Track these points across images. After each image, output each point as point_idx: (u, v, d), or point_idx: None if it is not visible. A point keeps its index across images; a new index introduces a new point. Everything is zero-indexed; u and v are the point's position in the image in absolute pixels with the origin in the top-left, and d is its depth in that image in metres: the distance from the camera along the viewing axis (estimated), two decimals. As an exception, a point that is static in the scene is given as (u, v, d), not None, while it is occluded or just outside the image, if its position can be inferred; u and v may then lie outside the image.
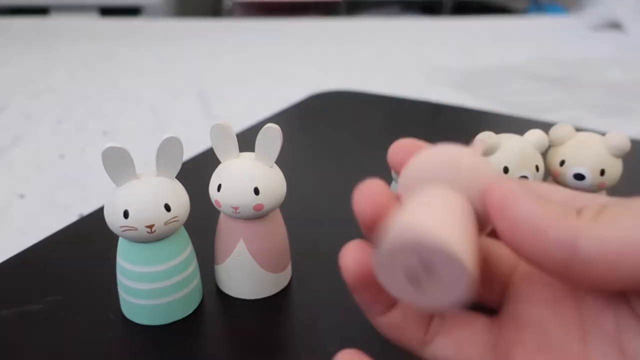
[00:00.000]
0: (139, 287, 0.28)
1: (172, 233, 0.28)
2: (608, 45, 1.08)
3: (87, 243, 0.36)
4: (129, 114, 0.70)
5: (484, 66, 0.93)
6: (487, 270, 0.19)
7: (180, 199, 0.28)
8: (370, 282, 0.17)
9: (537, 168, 0.31)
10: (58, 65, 0.92)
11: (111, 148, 0.25)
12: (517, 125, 0.59)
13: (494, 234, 0.18)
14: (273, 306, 0.31)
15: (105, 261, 0.32)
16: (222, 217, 0.31)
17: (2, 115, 0.69)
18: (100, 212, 0.35)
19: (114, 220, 0.26)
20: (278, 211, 0.32)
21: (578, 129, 0.33)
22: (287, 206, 0.32)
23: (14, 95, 0.77)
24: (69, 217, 0.43)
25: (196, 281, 0.30)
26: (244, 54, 1.03)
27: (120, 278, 0.29)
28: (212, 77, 0.87)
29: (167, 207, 0.27)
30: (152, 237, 0.27)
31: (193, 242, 0.30)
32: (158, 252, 0.28)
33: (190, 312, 0.30)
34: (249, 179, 0.28)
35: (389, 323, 0.19)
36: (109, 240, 0.30)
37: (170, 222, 0.27)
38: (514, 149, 0.31)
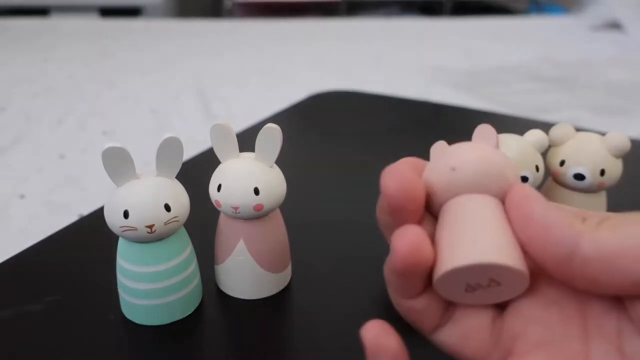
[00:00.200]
0: (139, 287, 0.28)
1: (172, 233, 0.28)
2: (608, 45, 1.08)
3: (87, 243, 0.36)
4: (129, 114, 0.70)
5: (484, 66, 0.93)
6: None
7: (180, 199, 0.28)
8: (419, 269, 0.17)
9: (537, 168, 0.31)
10: (58, 65, 0.92)
11: (111, 148, 0.25)
12: (517, 125, 0.59)
13: None
14: (273, 306, 0.31)
15: (105, 261, 0.32)
16: (222, 217, 0.31)
17: (2, 115, 0.69)
18: (100, 212, 0.35)
19: (114, 220, 0.26)
20: (278, 211, 0.32)
21: (578, 129, 0.33)
22: (287, 206, 0.32)
23: (14, 95, 0.77)
24: (69, 217, 0.43)
25: (196, 281, 0.30)
26: (244, 54, 1.03)
27: (120, 278, 0.29)
28: (212, 77, 0.87)
29: (167, 207, 0.27)
30: (152, 237, 0.27)
31: (193, 242, 0.30)
32: (158, 252, 0.28)
33: (190, 312, 0.30)
34: (249, 179, 0.28)
35: (412, 307, 0.19)
36: (109, 240, 0.30)
37: (170, 222, 0.27)
38: (514, 149, 0.31)
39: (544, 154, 0.32)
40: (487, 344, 0.18)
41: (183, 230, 0.29)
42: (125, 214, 0.26)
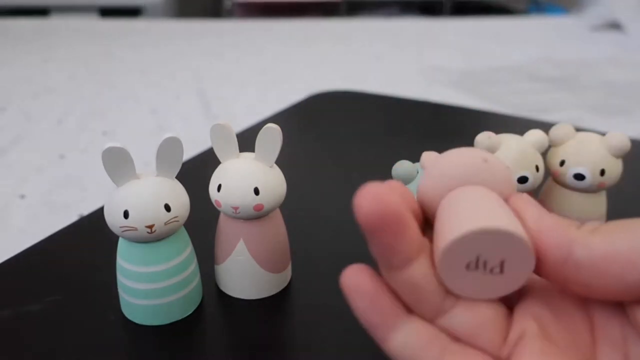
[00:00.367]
0: (139, 287, 0.28)
1: (172, 233, 0.28)
2: (608, 45, 1.08)
3: (87, 243, 0.36)
4: (129, 114, 0.70)
5: (484, 66, 0.93)
6: None
7: (180, 199, 0.28)
8: (390, 224, 0.16)
9: (537, 168, 0.31)
10: (58, 65, 0.92)
11: (111, 148, 0.25)
12: (517, 125, 0.59)
13: None
14: (273, 306, 0.31)
15: (105, 261, 0.32)
16: (222, 217, 0.31)
17: (2, 115, 0.69)
18: (100, 212, 0.35)
19: (114, 220, 0.26)
20: (278, 211, 0.32)
21: (578, 129, 0.33)
22: (287, 206, 0.32)
23: (14, 95, 0.77)
24: (69, 217, 0.43)
25: (196, 281, 0.30)
26: (244, 54, 1.03)
27: (120, 278, 0.29)
28: (212, 77, 0.87)
29: (167, 207, 0.27)
30: (152, 237, 0.27)
31: (193, 242, 0.30)
32: (158, 252, 0.28)
33: (190, 312, 0.30)
34: (249, 179, 0.28)
35: (408, 279, 0.17)
36: (109, 240, 0.30)
37: (170, 222, 0.27)
38: (514, 149, 0.31)
39: (544, 154, 0.32)
40: (500, 337, 0.18)
41: (183, 230, 0.29)
42: (125, 214, 0.26)
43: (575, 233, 0.16)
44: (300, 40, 1.13)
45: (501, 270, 0.17)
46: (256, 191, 0.28)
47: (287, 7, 2.20)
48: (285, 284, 0.32)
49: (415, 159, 0.32)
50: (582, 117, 0.68)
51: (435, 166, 0.19)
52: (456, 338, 0.18)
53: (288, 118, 0.63)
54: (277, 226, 0.31)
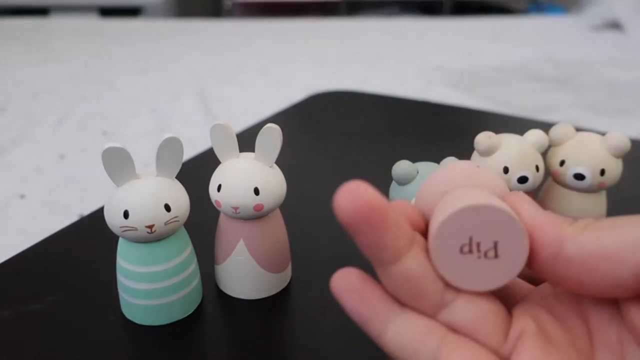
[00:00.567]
0: (139, 287, 0.28)
1: (172, 233, 0.28)
2: (608, 45, 1.08)
3: (87, 243, 0.37)
4: (129, 114, 0.70)
5: (484, 66, 0.93)
6: None
7: (180, 199, 0.28)
8: (371, 219, 0.16)
9: (537, 168, 0.31)
10: (58, 65, 0.92)
11: (111, 148, 0.25)
12: (517, 125, 0.59)
13: None
14: (273, 306, 0.31)
15: (105, 261, 0.32)
16: (222, 217, 0.31)
17: (2, 116, 0.69)
18: (100, 212, 0.35)
19: (114, 220, 0.26)
20: (278, 211, 0.32)
21: (578, 129, 0.33)
22: (287, 206, 0.32)
23: (14, 96, 0.77)
24: (69, 217, 0.43)
25: (196, 281, 0.30)
26: (244, 54, 1.03)
27: (120, 278, 0.29)
28: (212, 77, 0.87)
29: (167, 207, 0.27)
30: (152, 237, 0.27)
31: (193, 242, 0.30)
32: (158, 252, 0.28)
33: (190, 312, 0.30)
34: (249, 179, 0.28)
35: (403, 273, 0.17)
36: (109, 240, 0.30)
37: (170, 222, 0.27)
38: (514, 149, 0.31)
39: (544, 154, 0.32)
40: (501, 332, 0.18)
41: (183, 230, 0.29)
42: (125, 214, 0.26)
43: (567, 230, 0.17)
44: (300, 40, 1.13)
45: (496, 255, 0.17)
46: (256, 191, 0.28)
47: (287, 7, 2.20)
48: (285, 284, 0.32)
49: (415, 159, 0.32)
50: (582, 117, 0.68)
51: (430, 177, 0.20)
52: (456, 331, 0.18)
53: (288, 118, 0.63)
54: (277, 226, 0.31)
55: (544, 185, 0.34)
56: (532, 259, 0.17)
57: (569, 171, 0.31)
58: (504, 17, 1.55)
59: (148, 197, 0.26)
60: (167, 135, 0.27)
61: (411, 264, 0.17)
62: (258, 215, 0.29)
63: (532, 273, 0.18)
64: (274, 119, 0.61)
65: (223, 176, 0.29)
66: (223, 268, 0.31)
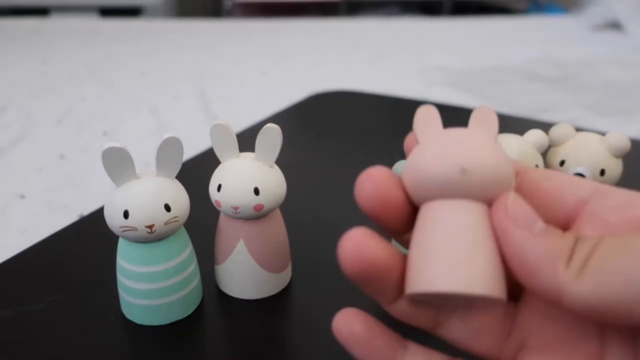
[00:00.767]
0: (139, 287, 0.28)
1: (172, 233, 0.28)
2: (608, 45, 1.08)
3: (87, 243, 0.36)
4: (129, 114, 0.70)
5: (484, 66, 0.93)
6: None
7: (180, 199, 0.28)
8: (373, 276, 0.17)
9: (537, 168, 0.31)
10: (58, 65, 0.92)
11: (111, 148, 0.25)
12: (517, 125, 0.59)
13: None
14: (273, 306, 0.31)
15: (105, 261, 0.32)
16: (222, 217, 0.31)
17: (2, 115, 0.69)
18: (100, 212, 0.35)
19: (114, 220, 0.26)
20: (278, 211, 0.32)
21: (578, 129, 0.33)
22: (287, 206, 0.32)
23: (14, 95, 0.77)
24: (69, 217, 0.43)
25: (196, 281, 0.30)
26: (244, 54, 1.03)
27: (120, 278, 0.29)
28: (212, 77, 0.87)
29: (167, 207, 0.27)
30: (152, 237, 0.27)
31: (193, 242, 0.30)
32: (158, 252, 0.28)
33: (190, 312, 0.30)
34: (249, 179, 0.28)
35: (398, 311, 0.18)
36: (109, 240, 0.30)
37: (170, 222, 0.27)
38: (514, 149, 0.31)
39: (544, 154, 0.32)
40: (500, 339, 0.18)
41: (183, 230, 0.29)
42: (125, 214, 0.26)
43: (563, 275, 0.15)
44: (300, 40, 1.13)
45: (471, 307, 0.17)
46: (256, 191, 0.28)
47: (287, 7, 2.20)
48: (285, 284, 0.32)
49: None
50: (582, 117, 0.68)
51: (413, 165, 0.17)
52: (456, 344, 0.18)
53: (288, 118, 0.63)
54: (277, 226, 0.31)
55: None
56: (530, 299, 0.18)
57: (569, 171, 0.31)
58: (504, 17, 1.55)
59: (148, 197, 0.26)
60: (167, 135, 0.26)
61: (405, 305, 0.18)
62: (258, 215, 0.29)
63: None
64: (274, 119, 0.61)
65: (223, 176, 0.29)
66: (223, 268, 0.31)
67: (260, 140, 0.28)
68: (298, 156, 0.51)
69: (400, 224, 0.18)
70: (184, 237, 0.29)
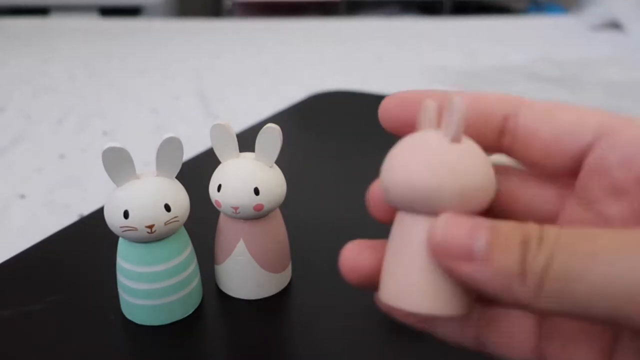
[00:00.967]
0: (139, 287, 0.28)
1: (172, 233, 0.28)
2: (608, 45, 1.08)
3: (87, 243, 0.36)
4: (129, 114, 0.70)
5: (484, 66, 0.93)
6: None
7: (180, 199, 0.28)
8: (371, 285, 0.17)
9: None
10: (58, 65, 0.92)
11: (111, 148, 0.25)
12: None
13: None
14: (273, 306, 0.31)
15: (105, 261, 0.32)
16: (222, 217, 0.31)
17: (2, 115, 0.69)
18: (100, 212, 0.35)
19: (114, 220, 0.26)
20: (278, 211, 0.32)
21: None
22: (287, 206, 0.32)
23: (14, 95, 0.77)
24: (69, 217, 0.43)
25: (196, 281, 0.30)
26: (244, 54, 1.03)
27: (120, 278, 0.29)
28: (212, 77, 0.87)
29: (167, 207, 0.27)
30: (152, 237, 0.27)
31: (193, 242, 0.30)
32: (158, 253, 0.28)
33: (190, 312, 0.30)
34: (249, 179, 0.28)
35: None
36: (109, 240, 0.30)
37: (170, 222, 0.27)
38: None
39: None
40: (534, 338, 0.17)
41: (183, 230, 0.29)
42: (125, 214, 0.26)
43: (520, 295, 0.13)
44: (300, 40, 1.13)
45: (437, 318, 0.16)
46: (256, 191, 0.28)
47: (287, 7, 2.20)
48: (285, 284, 0.32)
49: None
50: (582, 117, 0.68)
51: (383, 173, 0.16)
52: None
53: (288, 118, 0.63)
54: (277, 226, 0.31)
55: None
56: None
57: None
58: (504, 17, 1.55)
59: (148, 197, 0.26)
60: (167, 135, 0.26)
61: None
62: (258, 215, 0.29)
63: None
64: (274, 119, 0.61)
65: (223, 176, 0.29)
66: (223, 268, 0.31)
67: (260, 140, 0.28)
68: (298, 156, 0.51)
69: None
70: (184, 237, 0.29)
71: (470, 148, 0.16)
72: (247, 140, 0.32)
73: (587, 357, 0.16)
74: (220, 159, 0.30)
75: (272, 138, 0.28)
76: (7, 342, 0.28)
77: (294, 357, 0.28)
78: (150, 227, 0.26)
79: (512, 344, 0.17)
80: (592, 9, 1.27)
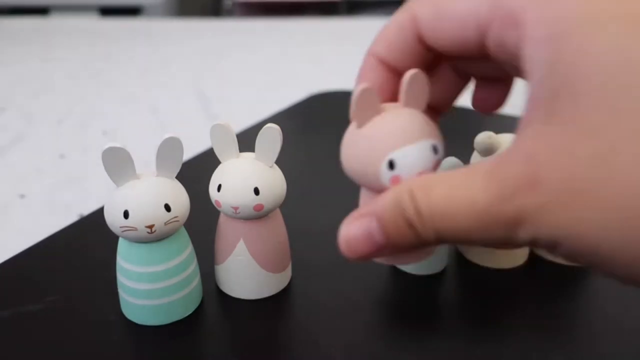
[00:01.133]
0: (139, 287, 0.28)
1: (172, 233, 0.28)
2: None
3: (87, 243, 0.36)
4: (129, 114, 0.70)
5: (484, 66, 0.93)
6: None
7: (180, 199, 0.28)
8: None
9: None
10: (58, 65, 0.92)
11: (111, 148, 0.25)
12: (517, 125, 0.59)
13: None
14: (273, 306, 0.31)
15: (105, 261, 0.32)
16: (222, 217, 0.31)
17: (2, 115, 0.69)
18: (100, 212, 0.35)
19: (114, 220, 0.26)
20: (278, 211, 0.32)
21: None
22: (287, 206, 0.32)
23: (14, 95, 0.77)
24: (69, 217, 0.43)
25: (196, 281, 0.30)
26: (244, 54, 1.03)
27: (120, 278, 0.29)
28: (212, 77, 0.87)
29: (167, 207, 0.27)
30: (152, 237, 0.27)
31: (193, 242, 0.30)
32: (158, 253, 0.28)
33: (190, 312, 0.30)
34: (249, 179, 0.28)
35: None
36: (109, 240, 0.30)
37: (170, 222, 0.27)
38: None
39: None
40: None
41: (183, 230, 0.29)
42: (125, 214, 0.26)
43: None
44: (300, 40, 1.13)
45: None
46: (256, 191, 0.28)
47: (287, 7, 2.20)
48: (285, 284, 0.32)
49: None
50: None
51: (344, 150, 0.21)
52: None
53: (288, 118, 0.63)
54: (277, 226, 0.31)
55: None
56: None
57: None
58: (504, 17, 1.55)
59: (148, 197, 0.26)
60: (167, 135, 0.26)
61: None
62: (258, 215, 0.29)
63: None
64: (274, 119, 0.61)
65: (223, 176, 0.29)
66: (223, 268, 0.31)
67: (260, 140, 0.28)
68: (298, 156, 0.51)
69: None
70: (184, 237, 0.29)
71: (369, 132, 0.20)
72: (247, 140, 0.32)
73: None
74: (220, 159, 0.30)
75: (272, 138, 0.28)
76: (7, 342, 0.28)
77: (294, 357, 0.28)
78: (150, 227, 0.26)
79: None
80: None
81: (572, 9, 0.14)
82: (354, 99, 0.19)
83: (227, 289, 0.32)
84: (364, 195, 0.21)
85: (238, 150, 0.29)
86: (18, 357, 0.27)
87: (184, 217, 0.28)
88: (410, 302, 0.31)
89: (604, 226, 0.13)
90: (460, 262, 0.35)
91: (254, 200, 0.28)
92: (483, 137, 0.31)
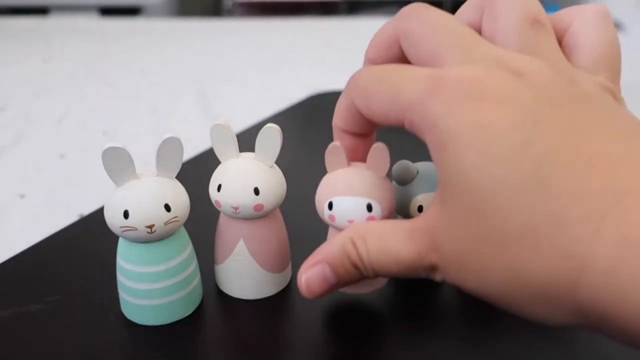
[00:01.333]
0: (139, 287, 0.28)
1: (172, 233, 0.28)
2: (608, 45, 1.08)
3: (87, 243, 0.36)
4: (129, 114, 0.70)
5: (484, 66, 0.93)
6: None
7: (180, 199, 0.28)
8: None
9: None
10: (58, 65, 0.92)
11: (111, 148, 0.25)
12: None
13: None
14: (273, 306, 0.31)
15: (105, 261, 0.32)
16: (222, 217, 0.31)
17: (2, 115, 0.69)
18: (100, 212, 0.35)
19: (114, 220, 0.26)
20: (278, 211, 0.32)
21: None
22: (287, 206, 0.32)
23: (14, 95, 0.77)
24: (69, 217, 0.43)
25: (196, 281, 0.30)
26: (244, 54, 1.03)
27: (120, 278, 0.29)
28: (212, 77, 0.87)
29: (167, 207, 0.27)
30: (152, 237, 0.27)
31: (193, 242, 0.30)
32: (158, 253, 0.28)
33: (190, 312, 0.30)
34: (249, 179, 0.28)
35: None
36: (109, 240, 0.30)
37: (170, 222, 0.27)
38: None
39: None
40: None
41: (183, 230, 0.29)
42: (125, 214, 0.26)
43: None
44: (300, 40, 1.13)
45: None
46: (256, 191, 0.28)
47: (287, 7, 2.20)
48: (285, 284, 0.32)
49: (415, 159, 0.32)
50: (582, 117, 0.68)
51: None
52: None
53: (288, 118, 0.63)
54: (277, 226, 0.31)
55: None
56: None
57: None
58: (504, 17, 1.54)
59: (148, 197, 0.26)
60: (167, 135, 0.27)
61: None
62: (258, 215, 0.29)
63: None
64: (274, 119, 0.61)
65: (223, 176, 0.29)
66: (223, 268, 0.31)
67: (260, 140, 0.28)
68: (298, 156, 0.51)
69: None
70: (184, 237, 0.29)
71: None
72: (247, 140, 0.32)
73: None
74: (220, 159, 0.30)
75: (272, 138, 0.28)
76: (7, 342, 0.28)
77: (294, 357, 0.28)
78: (150, 227, 0.26)
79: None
80: (592, 9, 1.27)
81: (450, 125, 0.19)
82: (326, 153, 0.27)
83: (227, 289, 0.32)
84: (331, 229, 0.29)
85: (238, 150, 0.29)
86: (18, 357, 0.27)
87: (184, 217, 0.28)
88: (410, 302, 0.31)
89: (478, 278, 0.19)
90: (460, 262, 0.35)
91: (254, 200, 0.28)
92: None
